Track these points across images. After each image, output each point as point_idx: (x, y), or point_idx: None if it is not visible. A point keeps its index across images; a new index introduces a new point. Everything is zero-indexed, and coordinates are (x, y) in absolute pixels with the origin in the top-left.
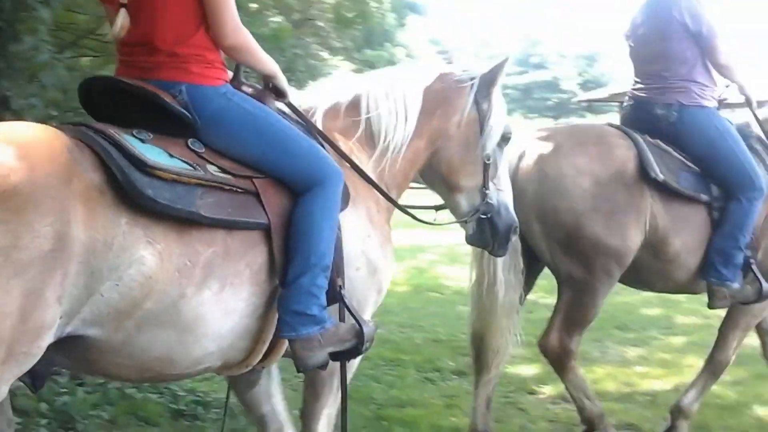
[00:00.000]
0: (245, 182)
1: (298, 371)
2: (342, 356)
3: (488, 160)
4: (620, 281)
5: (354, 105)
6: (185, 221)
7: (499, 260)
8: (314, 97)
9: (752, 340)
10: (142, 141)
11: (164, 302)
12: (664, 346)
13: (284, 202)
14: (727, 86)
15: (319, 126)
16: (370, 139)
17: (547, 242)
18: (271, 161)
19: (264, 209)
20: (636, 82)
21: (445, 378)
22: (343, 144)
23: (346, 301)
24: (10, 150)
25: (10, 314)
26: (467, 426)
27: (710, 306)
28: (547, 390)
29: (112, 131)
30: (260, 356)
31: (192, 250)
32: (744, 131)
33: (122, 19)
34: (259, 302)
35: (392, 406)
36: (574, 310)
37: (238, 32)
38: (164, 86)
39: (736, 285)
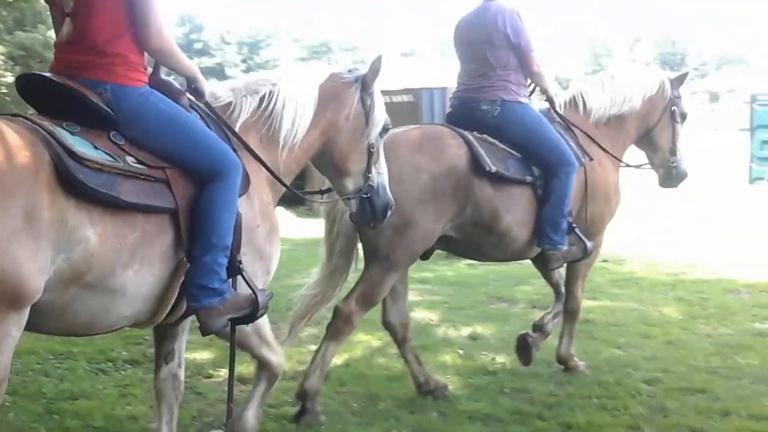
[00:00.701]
0: (158, 172)
1: (203, 335)
2: (240, 321)
3: (372, 148)
4: (462, 255)
5: (261, 102)
6: (114, 207)
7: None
8: (231, 94)
9: (425, 314)
10: (72, 133)
11: (99, 276)
12: None
13: (191, 190)
14: (532, 91)
15: (239, 122)
16: (274, 133)
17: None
18: (180, 154)
19: (173, 196)
20: (460, 83)
21: (118, 368)
22: (252, 138)
23: (244, 274)
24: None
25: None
26: (143, 413)
27: (550, 268)
28: (223, 373)
29: (47, 123)
30: (163, 316)
31: (122, 234)
32: (548, 117)
33: (67, 26)
34: (166, 275)
35: (64, 399)
36: (374, 286)
37: (162, 37)
38: (91, 85)
39: (565, 247)
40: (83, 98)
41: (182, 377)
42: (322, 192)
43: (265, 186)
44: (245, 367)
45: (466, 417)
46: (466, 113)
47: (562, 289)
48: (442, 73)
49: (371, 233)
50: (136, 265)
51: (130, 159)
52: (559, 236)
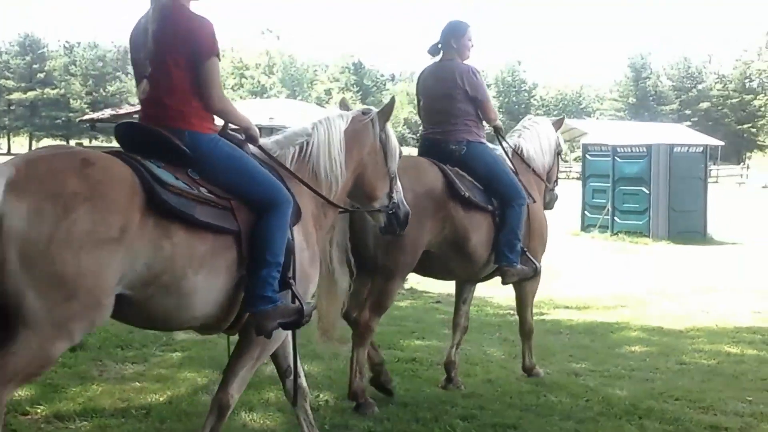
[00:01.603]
0: (225, 201)
1: (258, 335)
2: (288, 326)
3: (392, 174)
4: (432, 272)
5: (301, 151)
6: (188, 224)
7: (335, 253)
8: (277, 147)
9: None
10: (158, 167)
11: (173, 279)
12: (161, 362)
13: (251, 217)
14: (487, 130)
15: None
16: (316, 173)
17: (375, 240)
18: (243, 188)
19: (236, 220)
20: (426, 128)
21: None
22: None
23: (293, 288)
24: (102, 174)
25: (96, 273)
26: None
27: (503, 283)
28: (41, 410)
29: (139, 158)
30: (228, 324)
31: (194, 246)
32: (502, 157)
33: (144, 85)
34: (230, 286)
35: None
36: (382, 294)
37: (222, 101)
38: (173, 132)
39: (519, 266)
40: (168, 141)
41: (305, 385)
42: (353, 210)
43: (311, 219)
44: (64, 404)
45: None
46: (435, 150)
47: (462, 324)
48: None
49: (369, 248)
50: (204, 272)
51: (203, 189)
52: (514, 255)
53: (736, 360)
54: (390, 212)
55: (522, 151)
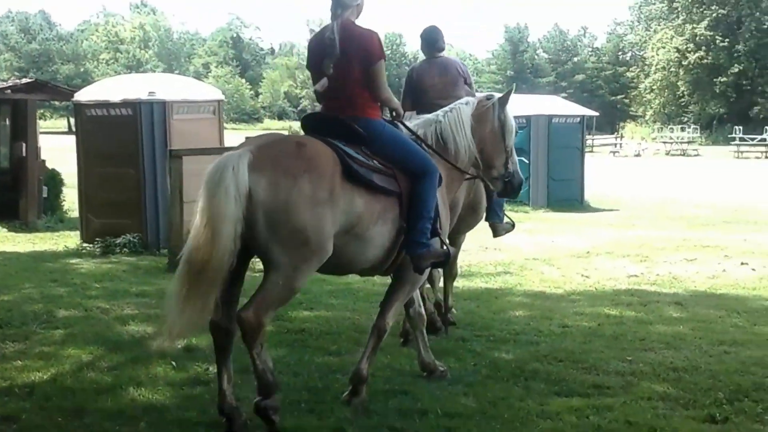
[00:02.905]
0: (390, 170)
1: (415, 272)
2: (437, 265)
3: (508, 148)
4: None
5: (436, 131)
6: (369, 188)
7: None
8: (420, 126)
9: (140, 328)
10: (344, 145)
11: (361, 229)
12: (43, 339)
13: (408, 182)
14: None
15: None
16: (449, 148)
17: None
18: (403, 160)
19: (398, 185)
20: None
21: None
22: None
23: (441, 236)
24: (313, 152)
25: (317, 227)
26: None
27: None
28: None
29: (328, 139)
30: (388, 265)
31: (373, 203)
32: None
33: (324, 82)
34: (393, 235)
35: None
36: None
37: (387, 92)
38: (351, 119)
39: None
40: (349, 126)
41: (423, 313)
42: (474, 178)
43: (444, 186)
44: None
45: (176, 426)
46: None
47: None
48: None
49: None
50: (380, 224)
51: (375, 161)
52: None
53: (616, 322)
54: (506, 180)
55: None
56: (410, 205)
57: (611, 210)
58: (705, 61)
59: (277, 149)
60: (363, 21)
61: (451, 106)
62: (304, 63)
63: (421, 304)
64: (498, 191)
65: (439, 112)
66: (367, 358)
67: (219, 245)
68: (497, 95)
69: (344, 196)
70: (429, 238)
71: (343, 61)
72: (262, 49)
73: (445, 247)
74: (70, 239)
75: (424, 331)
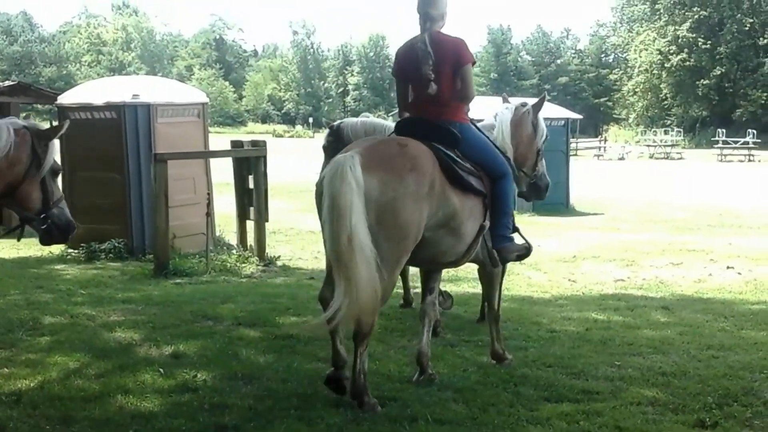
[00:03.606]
0: (478, 172)
1: (501, 264)
2: (519, 258)
3: (539, 151)
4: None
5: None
6: (462, 186)
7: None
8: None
9: (127, 334)
10: (440, 147)
11: (457, 224)
12: (30, 346)
13: (490, 182)
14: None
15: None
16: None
17: None
18: (486, 162)
19: (484, 185)
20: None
21: None
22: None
23: (519, 231)
24: (415, 152)
25: (418, 221)
26: None
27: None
28: None
29: (426, 142)
30: (467, 258)
31: (466, 201)
32: None
33: (429, 90)
34: (476, 231)
35: None
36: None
37: (474, 92)
38: (447, 123)
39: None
40: (448, 130)
41: (437, 304)
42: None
43: None
44: None
45: None
46: None
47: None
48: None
49: None
50: (471, 220)
51: (466, 164)
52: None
53: (604, 326)
54: (531, 181)
55: None
56: (492, 203)
57: (596, 214)
58: (687, 63)
59: (383, 150)
60: (346, 22)
61: (498, 112)
62: (288, 65)
63: (436, 296)
64: (523, 191)
65: (492, 119)
66: (497, 341)
67: (355, 235)
68: (531, 101)
69: (442, 193)
70: (511, 232)
71: (438, 68)
72: (245, 51)
73: (525, 241)
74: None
75: (432, 323)
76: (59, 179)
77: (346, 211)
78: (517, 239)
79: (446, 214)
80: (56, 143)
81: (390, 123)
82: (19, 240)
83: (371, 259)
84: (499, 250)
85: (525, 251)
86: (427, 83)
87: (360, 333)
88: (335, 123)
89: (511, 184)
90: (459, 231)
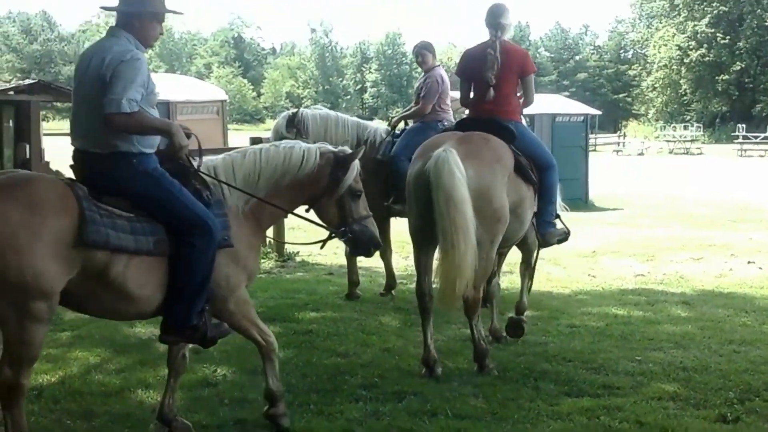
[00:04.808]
0: (530, 164)
1: (544, 246)
2: (559, 242)
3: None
4: None
5: None
6: (525, 177)
7: None
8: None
9: (149, 330)
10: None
11: (521, 210)
12: (51, 341)
13: (538, 174)
14: None
15: None
16: None
17: None
18: (537, 155)
19: (535, 176)
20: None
21: None
22: None
23: (560, 218)
24: (496, 145)
25: (505, 206)
26: None
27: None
28: None
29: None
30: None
31: (527, 190)
32: None
33: (490, 93)
34: (532, 216)
35: None
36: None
37: (533, 100)
38: (506, 122)
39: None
40: (506, 126)
41: (499, 284)
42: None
43: None
44: None
45: None
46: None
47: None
48: None
49: None
50: (530, 207)
51: (523, 159)
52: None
53: (624, 321)
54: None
55: None
56: (540, 192)
57: (616, 209)
58: (707, 58)
59: (472, 144)
60: (363, 20)
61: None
62: (306, 63)
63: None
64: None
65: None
66: (525, 294)
67: (464, 223)
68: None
69: (515, 182)
70: (555, 219)
71: (502, 73)
72: (263, 49)
73: (563, 227)
74: None
75: (499, 302)
76: (362, 199)
77: (463, 204)
78: (558, 225)
79: (514, 201)
80: (355, 167)
81: (349, 117)
82: (321, 248)
83: (475, 243)
84: (543, 234)
85: (564, 236)
86: (486, 87)
87: (469, 308)
88: (291, 112)
89: (556, 175)
90: (522, 217)
